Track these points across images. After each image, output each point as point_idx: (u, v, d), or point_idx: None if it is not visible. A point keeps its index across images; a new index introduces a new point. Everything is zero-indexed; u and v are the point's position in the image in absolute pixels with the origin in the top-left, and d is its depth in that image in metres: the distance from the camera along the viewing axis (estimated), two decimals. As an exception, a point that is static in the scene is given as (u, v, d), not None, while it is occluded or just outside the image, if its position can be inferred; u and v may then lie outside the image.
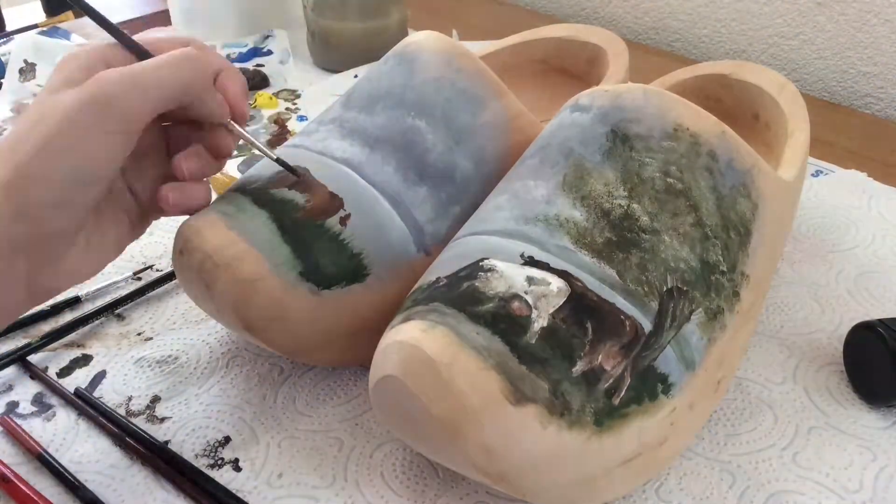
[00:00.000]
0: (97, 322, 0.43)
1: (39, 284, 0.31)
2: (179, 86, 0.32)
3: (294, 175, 0.36)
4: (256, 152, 0.58)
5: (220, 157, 0.36)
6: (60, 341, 0.41)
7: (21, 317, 0.42)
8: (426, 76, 0.40)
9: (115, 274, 0.46)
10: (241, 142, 0.36)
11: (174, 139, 0.36)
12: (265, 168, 0.38)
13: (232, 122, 0.35)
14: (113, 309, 0.43)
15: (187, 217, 0.36)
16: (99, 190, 0.31)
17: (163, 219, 0.50)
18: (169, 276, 0.45)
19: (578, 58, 0.54)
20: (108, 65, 0.32)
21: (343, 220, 0.35)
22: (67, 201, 0.30)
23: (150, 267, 0.47)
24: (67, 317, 0.43)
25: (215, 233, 0.34)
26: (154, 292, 0.45)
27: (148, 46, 0.33)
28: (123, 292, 0.44)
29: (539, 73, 0.56)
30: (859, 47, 0.66)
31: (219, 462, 0.35)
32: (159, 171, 0.36)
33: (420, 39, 0.42)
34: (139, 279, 0.46)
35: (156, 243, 0.49)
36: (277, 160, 0.36)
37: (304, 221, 0.35)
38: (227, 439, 0.36)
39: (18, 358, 0.40)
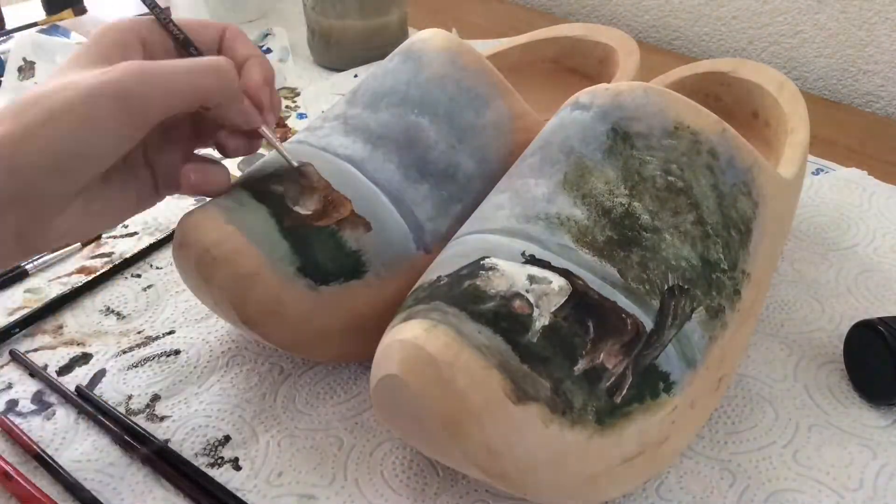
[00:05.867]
0: (96, 320, 0.43)
1: (29, 240, 0.31)
2: (201, 94, 0.32)
3: (302, 174, 0.36)
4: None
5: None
6: (60, 339, 0.41)
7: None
8: (430, 74, 0.40)
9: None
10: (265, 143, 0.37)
11: (202, 119, 0.37)
12: (266, 164, 0.38)
13: (263, 128, 0.35)
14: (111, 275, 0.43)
15: (186, 212, 0.36)
16: (99, 166, 0.31)
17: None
18: (171, 236, 0.46)
19: (590, 57, 0.54)
20: (145, 44, 0.34)
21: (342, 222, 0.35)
22: (65, 170, 0.30)
23: (151, 266, 0.47)
24: (67, 315, 0.43)
25: (214, 226, 0.34)
26: (153, 289, 0.45)
27: (184, 28, 0.35)
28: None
29: (550, 72, 0.56)
30: (859, 45, 0.66)
31: (218, 461, 0.35)
32: (183, 149, 0.36)
33: (426, 37, 0.42)
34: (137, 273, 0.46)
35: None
36: (299, 169, 0.36)
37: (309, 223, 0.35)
38: (227, 438, 0.36)
39: (2, 334, 0.41)
